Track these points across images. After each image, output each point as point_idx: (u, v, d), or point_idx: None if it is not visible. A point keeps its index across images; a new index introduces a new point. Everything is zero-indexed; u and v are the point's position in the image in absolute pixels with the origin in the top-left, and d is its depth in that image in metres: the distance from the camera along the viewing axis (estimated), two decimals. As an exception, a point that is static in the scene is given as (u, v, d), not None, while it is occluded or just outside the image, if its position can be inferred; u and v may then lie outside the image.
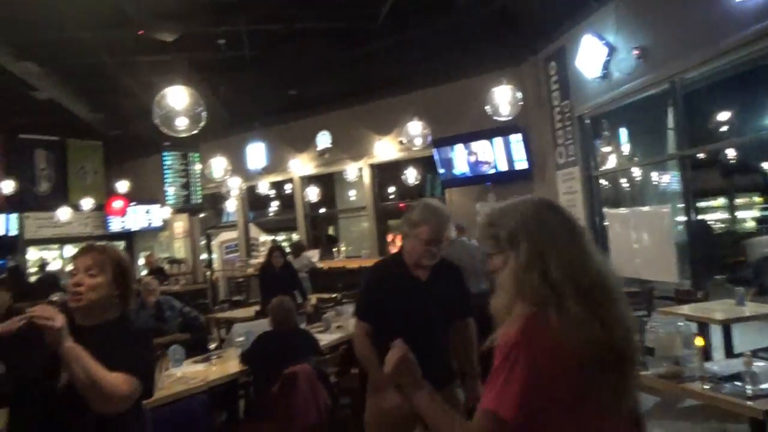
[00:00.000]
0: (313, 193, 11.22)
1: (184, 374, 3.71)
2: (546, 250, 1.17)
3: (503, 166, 8.39)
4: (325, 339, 4.57)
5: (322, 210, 12.45)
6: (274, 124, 11.26)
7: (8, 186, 10.29)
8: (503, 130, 8.06)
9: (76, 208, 11.66)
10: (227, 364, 4.01)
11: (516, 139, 8.20)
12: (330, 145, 10.62)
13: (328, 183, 12.29)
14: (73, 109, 9.90)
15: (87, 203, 11.52)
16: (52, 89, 8.87)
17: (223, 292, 11.71)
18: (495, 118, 6.35)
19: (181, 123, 3.70)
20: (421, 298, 2.40)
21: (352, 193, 12.55)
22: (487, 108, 6.26)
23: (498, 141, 8.34)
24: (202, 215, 12.68)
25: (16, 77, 8.11)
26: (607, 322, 1.14)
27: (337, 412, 3.47)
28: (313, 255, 9.99)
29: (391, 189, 11.50)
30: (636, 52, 5.82)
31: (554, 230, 1.20)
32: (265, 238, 12.69)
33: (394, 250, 9.93)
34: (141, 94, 8.19)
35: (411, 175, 10.01)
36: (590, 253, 1.21)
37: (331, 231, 13.61)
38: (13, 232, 11.47)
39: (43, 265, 11.35)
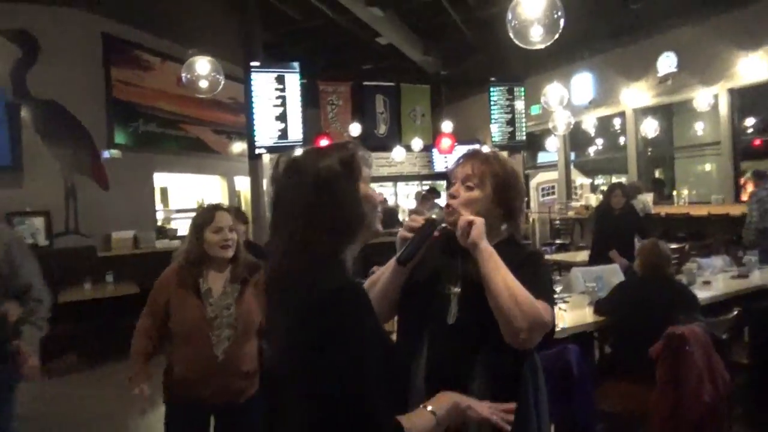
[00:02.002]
0: (650, 128, 9.32)
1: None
2: None
3: None
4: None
5: (650, 149, 10.77)
6: (606, 50, 10.06)
7: (356, 129, 11.65)
8: None
9: (407, 148, 12.63)
10: (578, 311, 3.58)
11: None
12: (675, 70, 8.97)
13: (665, 116, 10.53)
14: (407, 52, 10.54)
15: (417, 144, 12.31)
16: (392, 34, 9.53)
17: (538, 235, 11.36)
18: None
19: (536, 33, 3.24)
20: None
21: (699, 126, 10.51)
22: None
23: None
24: (520, 154, 12.41)
25: (364, 23, 8.93)
26: None
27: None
28: (648, 199, 8.73)
29: (749, 122, 9.21)
30: None
31: None
32: (582, 181, 11.76)
33: (744, 198, 7.95)
34: (470, 32, 8.14)
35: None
36: None
37: (657, 174, 11.77)
38: (358, 170, 13.15)
39: (382, 201, 12.72)
